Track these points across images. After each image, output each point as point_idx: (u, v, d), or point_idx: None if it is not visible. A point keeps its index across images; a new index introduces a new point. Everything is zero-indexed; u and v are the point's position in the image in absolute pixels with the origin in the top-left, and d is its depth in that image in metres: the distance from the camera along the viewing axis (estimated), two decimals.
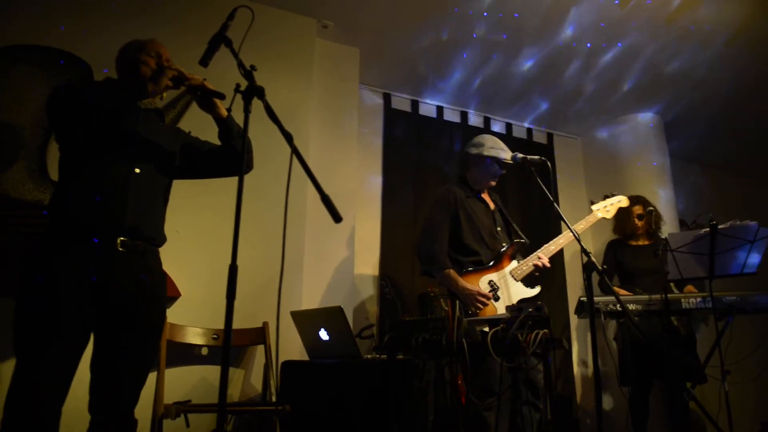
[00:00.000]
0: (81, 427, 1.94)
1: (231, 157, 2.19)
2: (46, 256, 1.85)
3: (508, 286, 3.11)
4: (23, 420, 1.71)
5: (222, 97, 2.04)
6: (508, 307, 2.38)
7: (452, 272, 3.02)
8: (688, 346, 3.71)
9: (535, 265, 3.17)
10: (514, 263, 3.18)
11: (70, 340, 1.82)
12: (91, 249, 1.87)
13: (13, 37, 3.04)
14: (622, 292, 3.85)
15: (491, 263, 3.13)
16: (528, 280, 3.17)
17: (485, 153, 3.25)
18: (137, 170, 2.00)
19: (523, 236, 3.27)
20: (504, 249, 3.17)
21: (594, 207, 3.47)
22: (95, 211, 1.90)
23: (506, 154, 3.21)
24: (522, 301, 3.06)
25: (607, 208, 3.46)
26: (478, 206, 3.28)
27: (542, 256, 3.19)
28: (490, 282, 3.08)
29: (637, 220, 4.17)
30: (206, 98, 2.08)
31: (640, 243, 4.18)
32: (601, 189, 5.43)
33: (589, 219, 3.37)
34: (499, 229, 3.30)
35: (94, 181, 1.93)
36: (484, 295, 2.97)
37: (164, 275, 2.13)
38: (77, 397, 1.89)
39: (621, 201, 3.50)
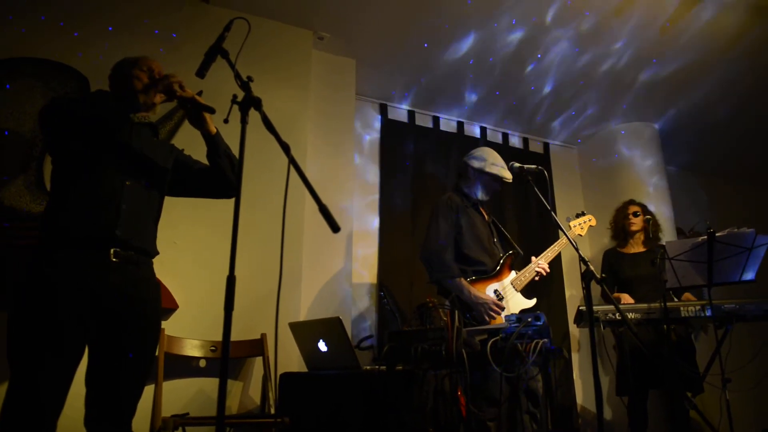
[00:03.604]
0: None
1: (217, 177, 2.20)
2: (40, 268, 1.85)
3: (510, 297, 3.12)
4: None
5: (211, 111, 2.04)
6: (507, 317, 2.38)
7: (464, 281, 3.02)
8: (687, 355, 3.70)
9: (537, 272, 3.21)
10: (513, 273, 3.20)
11: (66, 351, 1.81)
12: (84, 260, 1.87)
13: (11, 50, 3.05)
14: (628, 299, 3.85)
15: (494, 273, 3.14)
16: (525, 291, 3.19)
17: (487, 170, 3.26)
18: (128, 183, 2.00)
19: (518, 247, 3.30)
20: (503, 258, 3.19)
21: (571, 224, 3.61)
22: (88, 223, 1.90)
23: (507, 173, 3.23)
24: (522, 311, 3.08)
25: (581, 225, 3.61)
26: (477, 216, 3.29)
27: (542, 263, 3.24)
28: (495, 291, 3.09)
29: (632, 217, 4.20)
30: (196, 112, 2.08)
31: (637, 251, 4.19)
32: (597, 198, 5.48)
33: (563, 239, 3.44)
34: (495, 239, 3.31)
35: (87, 192, 1.93)
36: (498, 305, 2.98)
37: (158, 285, 2.13)
38: (74, 409, 1.87)
39: (591, 220, 3.66)
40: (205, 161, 2.24)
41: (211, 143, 2.17)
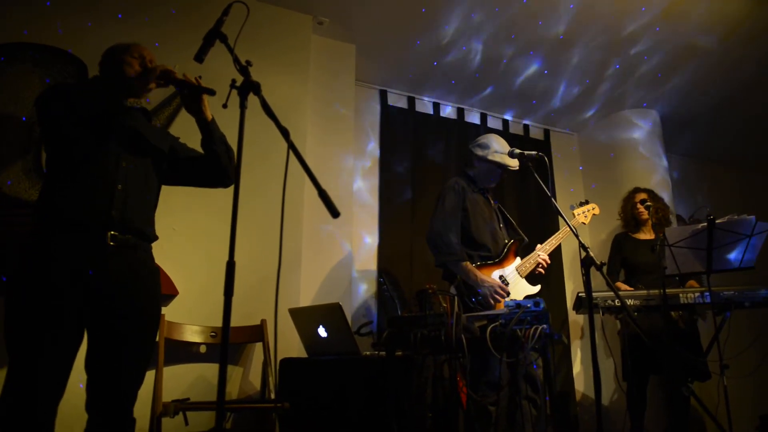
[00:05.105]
0: (78, 426, 1.93)
1: (211, 165, 2.18)
2: (36, 254, 1.84)
3: (515, 282, 3.13)
4: (19, 418, 1.69)
5: (211, 93, 2.02)
6: (506, 303, 2.39)
7: (470, 265, 3.02)
8: (692, 342, 3.71)
9: (538, 263, 3.21)
10: (518, 260, 3.21)
11: (65, 336, 1.80)
12: (81, 244, 1.86)
13: (9, 35, 3.03)
14: (625, 287, 3.86)
15: (499, 258, 3.15)
16: (530, 278, 3.20)
17: (490, 157, 3.25)
18: (124, 164, 1.99)
19: (522, 235, 3.30)
20: (509, 245, 3.19)
21: (575, 212, 3.62)
22: (84, 205, 1.89)
23: (512, 161, 3.22)
24: (527, 297, 3.09)
25: (584, 213, 3.63)
26: (482, 201, 3.29)
27: (543, 254, 3.24)
28: (500, 277, 3.09)
29: (640, 205, 4.18)
30: (194, 96, 2.06)
31: (646, 237, 4.17)
32: (598, 185, 5.46)
33: (565, 229, 3.43)
34: (501, 225, 3.32)
35: (82, 175, 1.92)
36: (503, 288, 2.99)
37: (157, 269, 2.11)
38: (75, 395, 1.88)
39: (594, 209, 3.69)
40: (201, 150, 2.21)
41: (206, 130, 2.14)
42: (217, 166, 2.18)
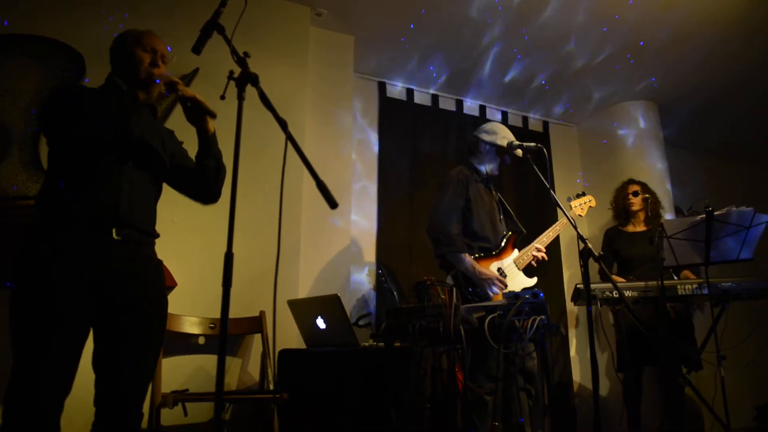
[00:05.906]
0: (79, 417, 1.94)
1: (200, 179, 2.15)
2: (40, 250, 1.82)
3: (512, 275, 3.14)
4: (25, 414, 1.69)
5: (213, 115, 1.99)
6: (505, 294, 2.39)
7: (469, 257, 3.03)
8: (686, 332, 3.73)
9: (534, 256, 3.21)
10: (516, 252, 3.22)
11: (71, 331, 1.79)
12: (86, 239, 1.85)
13: (5, 27, 3.01)
14: (619, 279, 3.88)
15: (497, 251, 3.15)
16: (527, 270, 3.21)
17: (499, 143, 3.25)
18: (130, 163, 1.97)
19: (521, 227, 3.31)
20: (507, 237, 3.20)
21: (572, 204, 3.64)
22: (89, 203, 1.87)
23: (518, 148, 3.23)
24: (524, 290, 3.10)
25: (581, 206, 3.64)
26: (485, 192, 3.29)
27: (540, 247, 3.24)
28: (498, 269, 3.10)
29: (632, 197, 4.20)
30: (197, 113, 2.02)
31: (637, 229, 4.19)
32: (596, 177, 5.46)
33: (563, 220, 3.43)
34: (501, 217, 3.32)
35: (88, 173, 1.90)
36: (501, 280, 3.00)
37: (160, 263, 2.10)
38: (82, 388, 1.87)
39: (591, 201, 3.70)
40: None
41: (204, 142, 2.11)
42: (204, 182, 2.15)
